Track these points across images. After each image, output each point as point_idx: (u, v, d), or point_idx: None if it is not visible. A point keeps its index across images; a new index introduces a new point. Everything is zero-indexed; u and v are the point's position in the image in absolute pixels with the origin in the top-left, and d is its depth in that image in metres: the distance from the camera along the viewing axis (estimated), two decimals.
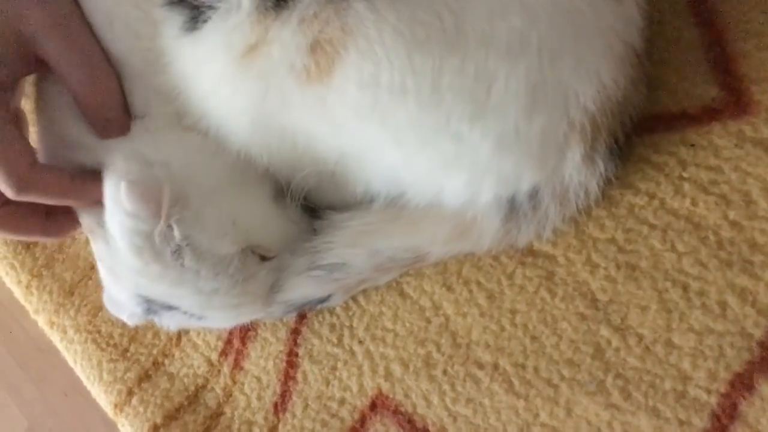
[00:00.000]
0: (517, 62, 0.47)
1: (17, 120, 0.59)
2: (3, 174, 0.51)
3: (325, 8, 0.47)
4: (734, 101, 0.54)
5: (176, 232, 0.55)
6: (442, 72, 0.47)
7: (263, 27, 0.48)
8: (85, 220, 0.61)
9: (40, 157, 0.59)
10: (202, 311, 0.60)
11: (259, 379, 0.69)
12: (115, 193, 0.54)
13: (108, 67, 0.55)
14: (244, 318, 0.65)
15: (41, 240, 0.60)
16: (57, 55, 0.53)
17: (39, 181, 0.54)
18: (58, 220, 0.61)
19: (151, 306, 0.60)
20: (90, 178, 0.56)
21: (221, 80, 0.52)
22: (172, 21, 0.52)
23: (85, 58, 0.54)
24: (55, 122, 0.59)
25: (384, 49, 0.46)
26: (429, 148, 0.52)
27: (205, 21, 0.50)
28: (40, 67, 0.54)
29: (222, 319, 0.64)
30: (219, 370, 0.72)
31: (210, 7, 0.50)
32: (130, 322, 0.67)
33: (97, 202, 0.56)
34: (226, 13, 0.49)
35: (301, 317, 0.68)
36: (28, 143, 0.55)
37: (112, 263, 0.59)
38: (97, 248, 0.61)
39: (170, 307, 0.60)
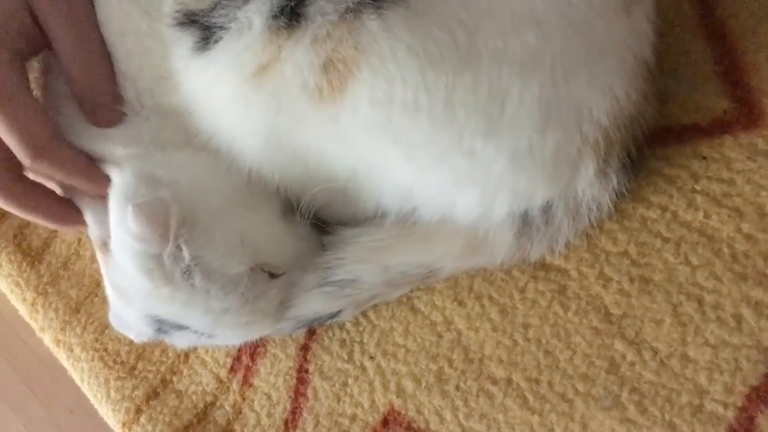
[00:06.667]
0: (531, 78, 0.47)
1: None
2: (21, 140, 0.51)
3: (338, 27, 0.46)
4: (746, 113, 0.54)
5: (185, 253, 0.55)
6: (455, 89, 0.47)
7: (276, 46, 0.48)
8: (95, 238, 0.61)
9: None
10: (212, 330, 0.60)
11: (269, 396, 0.68)
12: (123, 216, 0.54)
13: (105, 54, 0.56)
14: (255, 335, 0.65)
15: (45, 224, 0.60)
16: (56, 30, 0.53)
17: (56, 153, 0.54)
18: (68, 209, 0.60)
19: (161, 326, 0.60)
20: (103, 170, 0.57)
21: (233, 100, 0.52)
22: (183, 42, 0.52)
23: (84, 38, 0.54)
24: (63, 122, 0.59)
25: (397, 67, 0.46)
26: (442, 165, 0.51)
27: (216, 41, 0.50)
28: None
29: (232, 337, 0.63)
30: (228, 387, 0.71)
31: (221, 28, 0.50)
32: (138, 340, 0.66)
33: (101, 196, 0.57)
34: (237, 33, 0.49)
35: (311, 333, 0.68)
36: (50, 116, 0.55)
37: (122, 284, 0.58)
38: (106, 268, 0.60)
39: (180, 327, 0.59)
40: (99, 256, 0.62)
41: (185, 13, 0.52)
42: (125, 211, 0.53)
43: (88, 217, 0.61)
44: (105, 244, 0.59)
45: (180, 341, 0.63)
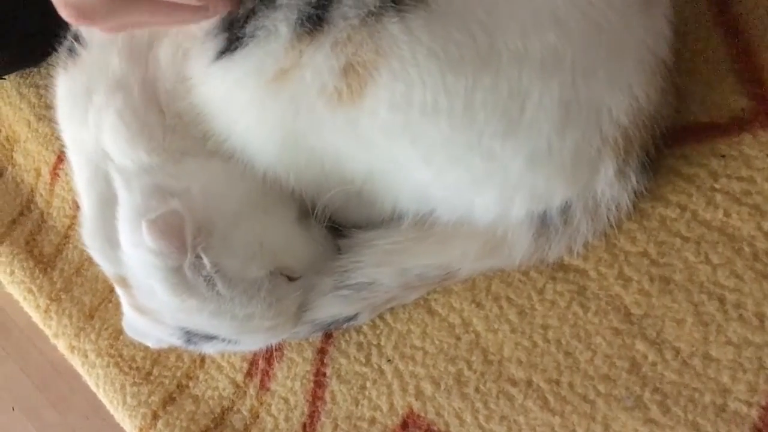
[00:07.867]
0: (551, 79, 0.47)
1: None
2: None
3: (359, 31, 0.46)
4: (764, 111, 0.54)
5: (205, 261, 0.54)
6: (474, 91, 0.47)
7: (297, 51, 0.48)
8: (111, 275, 0.62)
9: None
10: (238, 336, 0.60)
11: (286, 400, 0.68)
12: (138, 235, 0.54)
13: None
14: (277, 338, 0.65)
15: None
16: None
17: None
18: None
19: (191, 338, 0.60)
20: None
21: (252, 103, 0.52)
22: (209, 48, 0.52)
23: None
24: None
25: (417, 70, 0.46)
26: (460, 166, 0.51)
27: (238, 48, 0.50)
28: None
29: (256, 341, 0.63)
30: (245, 392, 0.71)
31: (251, 36, 0.49)
32: (155, 347, 0.66)
33: None
34: (264, 39, 0.49)
35: (327, 337, 0.68)
36: None
37: (150, 306, 0.59)
38: (129, 298, 0.61)
39: (209, 337, 0.59)
40: (119, 291, 0.62)
41: (222, 19, 0.51)
42: (139, 230, 0.53)
43: (97, 257, 0.62)
44: (123, 279, 0.60)
45: (208, 350, 0.64)
